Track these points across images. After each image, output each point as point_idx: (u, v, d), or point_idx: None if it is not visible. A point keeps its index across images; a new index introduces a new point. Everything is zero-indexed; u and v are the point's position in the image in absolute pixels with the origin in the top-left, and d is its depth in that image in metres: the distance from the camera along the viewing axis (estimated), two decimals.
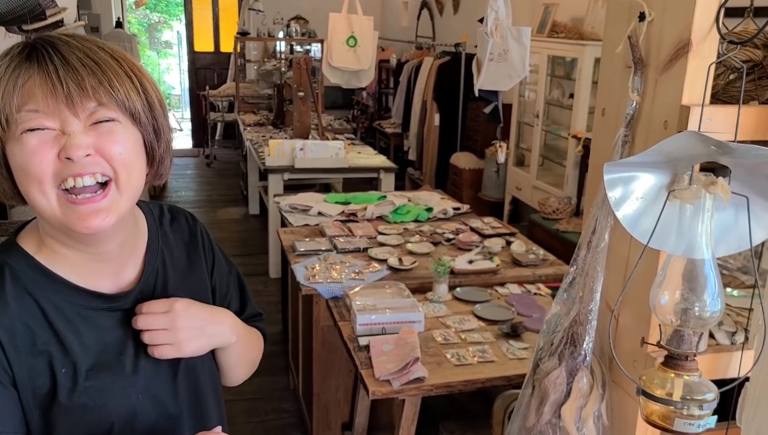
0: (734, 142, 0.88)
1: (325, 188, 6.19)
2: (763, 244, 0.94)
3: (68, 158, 0.79)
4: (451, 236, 3.24)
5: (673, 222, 0.90)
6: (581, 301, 1.01)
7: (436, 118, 6.20)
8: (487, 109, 3.33)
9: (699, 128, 0.87)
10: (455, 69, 6.04)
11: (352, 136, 6.33)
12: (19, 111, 0.79)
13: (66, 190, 0.81)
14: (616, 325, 1.04)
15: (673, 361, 0.91)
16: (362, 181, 5.35)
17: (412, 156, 6.81)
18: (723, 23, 0.95)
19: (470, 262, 2.88)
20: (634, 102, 0.96)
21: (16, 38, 3.41)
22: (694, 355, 0.90)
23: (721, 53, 0.88)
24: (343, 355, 2.65)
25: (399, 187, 6.65)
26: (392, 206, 3.60)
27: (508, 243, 3.18)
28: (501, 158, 3.03)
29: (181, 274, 1.02)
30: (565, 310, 1.05)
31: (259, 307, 3.50)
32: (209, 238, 1.10)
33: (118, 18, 8.96)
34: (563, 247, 3.91)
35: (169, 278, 0.99)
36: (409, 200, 3.83)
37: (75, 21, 3.07)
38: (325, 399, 2.78)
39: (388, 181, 4.88)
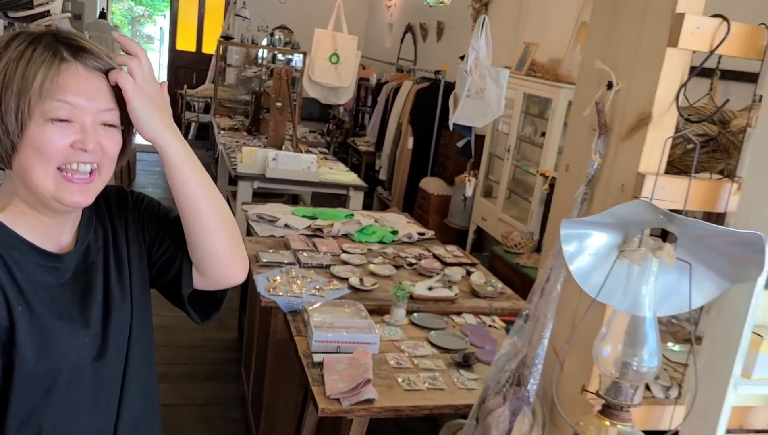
0: (683, 212, 0.94)
1: (294, 200, 6.21)
2: (701, 308, 1.01)
3: (82, 149, 0.96)
4: (413, 261, 3.29)
5: (620, 279, 0.96)
6: (530, 345, 1.06)
7: (410, 142, 6.28)
8: (460, 144, 3.41)
9: (652, 195, 0.94)
10: (433, 95, 6.14)
11: (326, 150, 6.36)
12: (52, 99, 0.93)
13: (60, 169, 0.96)
14: (560, 371, 1.10)
15: (609, 410, 0.97)
16: (331, 197, 5.38)
17: (383, 176, 6.87)
18: (684, 94, 1.02)
19: (430, 288, 2.93)
20: (596, 163, 1.03)
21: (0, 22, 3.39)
22: (629, 407, 0.96)
23: (679, 128, 0.95)
24: (295, 369, 2.67)
25: (368, 205, 6.70)
26: (358, 226, 3.64)
27: (469, 273, 3.25)
28: (469, 191, 3.12)
29: (115, 240, 1.13)
30: (514, 352, 1.10)
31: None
32: (139, 200, 1.20)
33: (102, 9, 8.88)
34: (522, 281, 4.00)
35: (108, 239, 1.12)
36: (375, 221, 3.88)
37: (62, 11, 3.07)
38: (273, 411, 2.79)
39: (357, 199, 4.92)
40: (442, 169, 6.09)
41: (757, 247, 0.86)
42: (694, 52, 0.94)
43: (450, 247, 3.62)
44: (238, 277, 1.18)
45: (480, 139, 5.67)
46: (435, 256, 3.41)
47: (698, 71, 0.91)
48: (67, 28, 4.74)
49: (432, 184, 5.93)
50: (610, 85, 1.01)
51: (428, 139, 6.19)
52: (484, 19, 2.58)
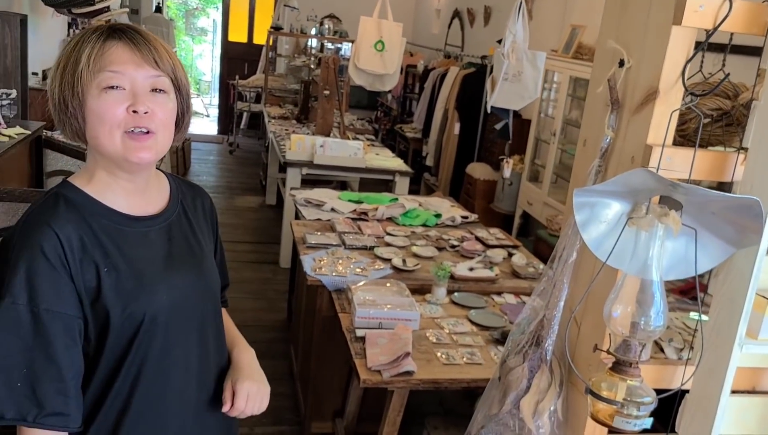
0: (687, 181, 1.00)
1: (342, 186, 6.34)
2: (710, 271, 1.07)
3: (135, 111, 1.08)
4: (455, 243, 3.37)
5: (630, 245, 1.02)
6: (547, 308, 1.14)
7: (456, 127, 6.32)
8: (498, 126, 3.46)
9: (658, 166, 1.00)
10: (479, 81, 6.15)
11: (373, 137, 6.47)
12: (103, 70, 1.07)
13: (126, 133, 1.10)
14: (577, 332, 1.17)
15: (619, 367, 1.04)
16: (378, 182, 5.48)
17: (429, 162, 6.94)
18: (702, 63, 1.08)
19: (471, 269, 3.01)
20: (609, 137, 1.09)
21: (63, 19, 3.61)
22: (637, 363, 1.02)
23: (685, 102, 1.01)
24: (340, 345, 2.79)
25: (414, 190, 6.78)
26: (402, 209, 3.74)
27: (510, 254, 3.30)
28: (507, 173, 3.17)
29: (197, 222, 1.29)
30: (534, 315, 1.18)
31: (266, 295, 3.82)
32: (216, 215, 1.39)
33: (158, 3, 9.17)
34: None
35: (190, 219, 1.27)
36: (420, 205, 3.96)
37: (120, 7, 3.24)
38: (320, 386, 2.92)
39: (402, 184, 5.01)
40: (489, 154, 6.12)
41: (755, 212, 0.91)
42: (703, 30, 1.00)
43: (493, 230, 3.68)
44: None
45: (526, 123, 5.67)
46: (477, 239, 3.47)
47: (702, 47, 0.96)
48: (125, 21, 4.97)
49: (478, 169, 5.97)
50: (621, 63, 1.07)
51: (474, 125, 6.22)
52: (520, 3, 2.63)
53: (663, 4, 1.00)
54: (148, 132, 1.11)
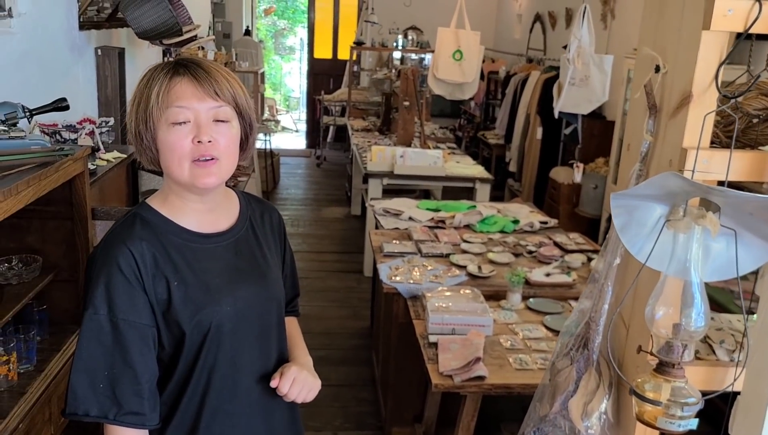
0: (724, 182, 1.01)
1: (425, 195, 6.41)
2: (757, 271, 1.06)
3: (199, 142, 1.18)
4: (533, 249, 3.36)
5: (668, 247, 1.04)
6: (593, 310, 1.16)
7: (539, 132, 6.26)
8: (567, 131, 3.43)
9: (693, 169, 1.01)
10: None
11: (454, 145, 6.50)
12: (170, 107, 1.17)
13: (193, 161, 1.20)
14: (626, 334, 1.19)
15: (662, 368, 1.05)
16: (460, 190, 5.52)
17: (513, 167, 6.90)
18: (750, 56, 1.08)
19: (547, 274, 3.00)
20: (648, 142, 1.11)
21: (157, 49, 3.89)
22: (680, 364, 1.04)
23: (719, 105, 1.02)
24: (417, 352, 2.85)
25: (499, 197, 6.76)
26: (480, 216, 3.76)
27: (590, 259, 3.26)
28: (577, 177, 3.13)
29: (264, 236, 1.39)
30: (582, 318, 1.21)
31: (350, 303, 3.99)
32: (285, 229, 1.48)
33: (247, 26, 9.61)
34: None
35: (257, 234, 1.37)
36: (498, 211, 3.97)
37: (207, 33, 3.47)
38: (399, 391, 2.99)
39: (483, 191, 5.02)
40: (572, 158, 6.01)
41: None
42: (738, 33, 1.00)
43: (572, 235, 3.64)
44: None
45: (610, 124, 5.55)
46: (556, 244, 3.45)
47: (731, 51, 0.97)
48: (211, 48, 5.28)
49: (562, 174, 5.87)
50: (657, 69, 1.09)
51: (557, 129, 6.14)
52: (585, 7, 2.62)
53: (694, 10, 1.01)
54: (212, 159, 1.20)
